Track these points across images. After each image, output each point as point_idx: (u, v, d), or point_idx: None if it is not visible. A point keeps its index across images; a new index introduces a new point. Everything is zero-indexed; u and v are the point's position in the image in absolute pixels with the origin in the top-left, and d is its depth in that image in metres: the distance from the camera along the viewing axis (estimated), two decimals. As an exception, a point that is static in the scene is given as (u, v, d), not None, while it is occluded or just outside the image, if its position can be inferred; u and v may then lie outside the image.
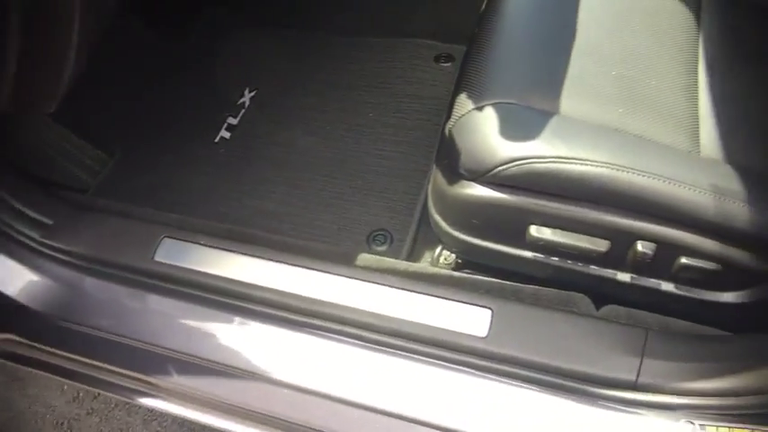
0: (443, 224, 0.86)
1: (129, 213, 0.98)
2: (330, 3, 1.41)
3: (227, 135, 1.26)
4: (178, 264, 0.90)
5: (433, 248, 1.04)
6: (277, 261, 0.87)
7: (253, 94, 1.31)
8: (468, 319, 0.79)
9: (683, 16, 0.93)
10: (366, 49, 1.34)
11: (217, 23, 1.44)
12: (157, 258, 0.91)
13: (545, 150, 0.73)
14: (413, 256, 1.04)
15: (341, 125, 1.23)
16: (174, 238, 0.92)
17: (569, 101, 0.80)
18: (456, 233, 0.85)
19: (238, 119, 1.28)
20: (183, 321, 0.88)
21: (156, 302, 0.90)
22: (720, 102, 0.85)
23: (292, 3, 1.42)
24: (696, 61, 0.89)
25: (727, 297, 0.78)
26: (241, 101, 1.31)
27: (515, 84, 0.81)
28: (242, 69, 1.36)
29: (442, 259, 1.01)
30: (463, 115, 0.81)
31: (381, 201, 1.11)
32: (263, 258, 0.87)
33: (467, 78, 0.85)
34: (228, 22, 1.44)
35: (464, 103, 0.82)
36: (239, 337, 0.85)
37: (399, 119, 1.22)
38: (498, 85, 0.81)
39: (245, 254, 0.88)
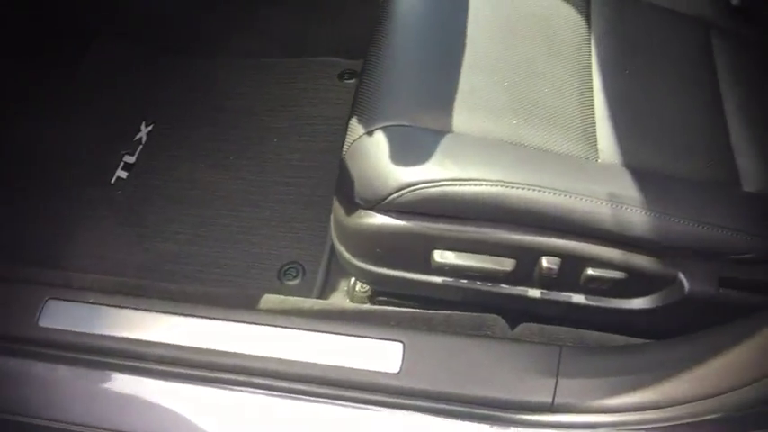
0: (347, 255, 0.82)
1: (8, 275, 0.89)
2: (227, 25, 1.35)
3: (123, 175, 1.18)
4: (65, 327, 0.82)
5: (348, 277, 0.99)
6: (173, 313, 0.81)
7: (150, 128, 1.24)
8: (380, 355, 0.75)
9: (574, 18, 0.92)
10: (267, 71, 1.29)
11: (107, 55, 1.36)
12: (42, 323, 0.83)
13: (437, 174, 0.70)
14: (327, 287, 1.00)
15: (245, 154, 1.18)
16: (60, 299, 0.84)
17: (462, 117, 0.77)
18: (361, 264, 0.81)
19: (135, 156, 1.20)
20: (74, 389, 0.80)
21: (44, 371, 0.82)
22: (615, 103, 0.84)
23: (186, 27, 1.35)
24: (590, 64, 0.88)
25: (637, 303, 0.77)
26: (138, 136, 1.23)
27: (406, 104, 0.78)
28: (137, 102, 1.28)
29: (357, 287, 0.97)
30: (354, 141, 0.77)
31: (291, 232, 1.07)
32: (158, 312, 0.81)
33: (358, 102, 0.81)
34: (120, 52, 1.36)
35: (355, 128, 0.78)
36: (136, 401, 0.78)
37: (305, 142, 1.18)
38: (389, 107, 0.78)
39: (138, 309, 0.81)
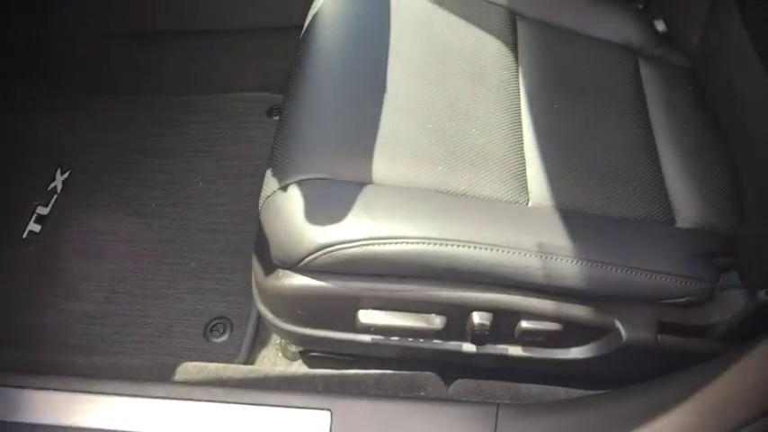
0: (270, 316, 0.76)
1: None
2: (147, 61, 1.28)
3: (36, 228, 1.09)
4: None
5: (279, 331, 0.94)
6: (79, 391, 0.74)
7: (66, 175, 1.16)
8: (306, 427, 0.70)
9: (501, 52, 0.89)
10: (191, 109, 1.22)
11: (18, 99, 1.27)
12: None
13: (354, 233, 0.65)
14: (256, 342, 0.94)
15: (167, 200, 1.10)
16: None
17: (383, 166, 0.72)
18: (285, 325, 0.75)
19: (49, 207, 1.12)
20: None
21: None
22: (545, 141, 0.81)
23: (99, 64, 1.27)
24: (518, 99, 0.85)
25: (575, 353, 0.73)
26: (52, 185, 1.15)
27: (322, 155, 0.73)
28: (51, 148, 1.19)
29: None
30: (269, 197, 0.71)
31: (218, 284, 1.00)
32: (57, 390, 0.73)
33: (274, 151, 0.76)
34: (32, 96, 1.27)
35: (270, 182, 0.72)
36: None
37: (232, 185, 1.11)
38: (304, 158, 0.72)
39: (34, 388, 0.74)
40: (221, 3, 1.18)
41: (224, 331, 0.94)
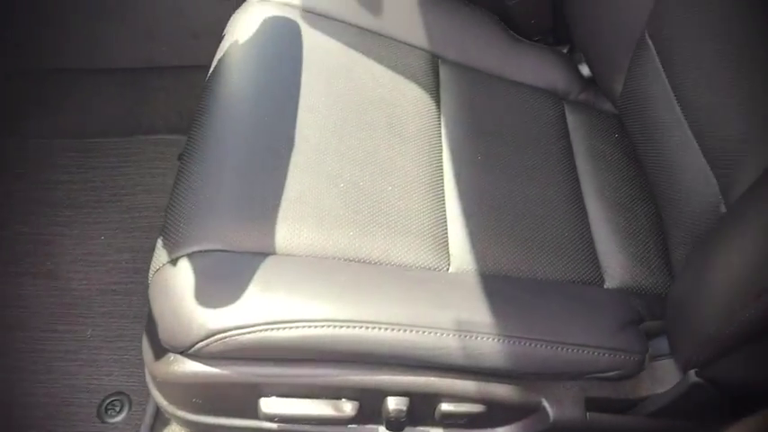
0: (164, 403, 0.67)
1: None
2: (46, 101, 1.17)
3: None
4: None
5: (184, 407, 0.84)
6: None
7: (-52, 230, 1.04)
8: None
9: (423, 100, 0.84)
10: (95, 154, 1.12)
11: None
12: None
13: (250, 317, 0.57)
14: (157, 423, 0.84)
15: (65, 258, 1.00)
16: None
17: (287, 233, 0.65)
18: (180, 413, 0.67)
19: (-73, 268, 1.00)
20: None
21: None
22: (468, 198, 0.75)
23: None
24: (440, 152, 0.79)
25: (501, 434, 0.67)
26: (-68, 242, 1.03)
27: (219, 221, 0.65)
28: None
29: (195, 419, 0.82)
30: (157, 271, 0.63)
31: (116, 353, 0.90)
32: None
33: (167, 216, 0.68)
34: None
35: (159, 253, 0.64)
36: None
37: (138, 239, 1.02)
38: (198, 226, 0.64)
39: None
40: (127, 39, 1.09)
41: (121, 409, 0.84)
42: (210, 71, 0.83)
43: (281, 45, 0.83)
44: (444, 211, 0.74)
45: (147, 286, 0.94)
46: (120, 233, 1.02)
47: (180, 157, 1.16)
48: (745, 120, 0.64)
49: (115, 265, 0.99)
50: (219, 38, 0.94)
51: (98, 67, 1.12)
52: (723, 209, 0.62)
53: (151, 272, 0.64)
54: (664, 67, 0.76)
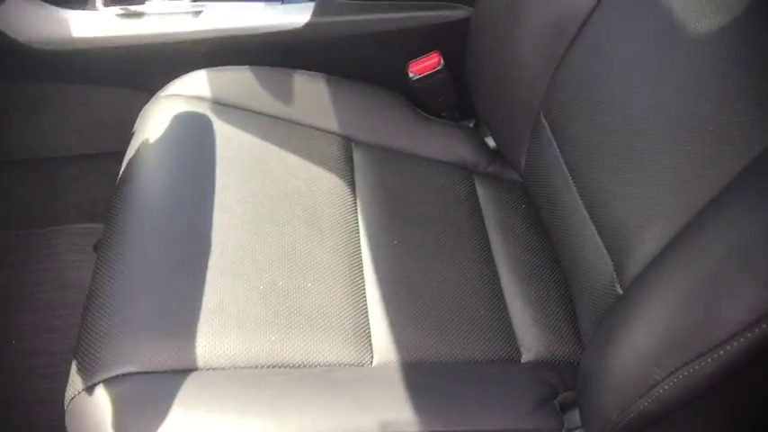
0: None
1: None
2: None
3: None
4: None
5: None
6: None
7: None
8: None
9: (338, 187, 0.86)
10: (3, 249, 1.07)
11: None
12: None
13: (171, 446, 0.57)
14: None
15: (-29, 367, 0.95)
16: None
17: (208, 345, 0.65)
18: None
19: None
20: None
21: None
22: (387, 285, 0.77)
23: None
24: (358, 239, 0.81)
25: None
26: None
27: (134, 340, 0.64)
28: None
29: None
30: (72, 399, 0.61)
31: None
32: None
33: (80, 340, 0.65)
34: None
35: (74, 380, 0.62)
36: None
37: (52, 340, 0.98)
38: (112, 347, 0.63)
39: None
40: (36, 131, 1.06)
41: None
42: (122, 171, 0.82)
43: (193, 142, 0.84)
44: (365, 301, 0.75)
45: (62, 394, 0.90)
46: (30, 336, 0.98)
47: (95, 248, 1.13)
48: (634, 204, 0.69)
49: (29, 370, 0.94)
50: (129, 126, 0.94)
51: (5, 159, 1.08)
52: (619, 290, 0.67)
53: (66, 399, 0.62)
54: (558, 147, 0.82)
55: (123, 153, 0.94)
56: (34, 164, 1.10)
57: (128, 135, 0.94)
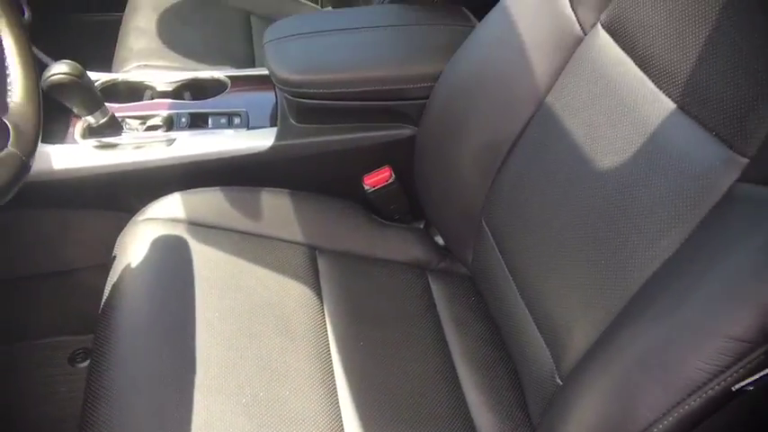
0: None
1: None
2: None
3: None
4: None
5: None
6: None
7: None
8: None
9: (306, 295, 0.94)
10: (-24, 368, 1.10)
11: None
12: None
13: None
14: None
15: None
16: None
17: (199, 460, 0.72)
18: None
19: None
20: None
21: None
22: (356, 385, 0.86)
23: None
24: (327, 344, 0.90)
25: None
26: None
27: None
28: None
29: None
30: None
31: None
32: None
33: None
34: None
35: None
36: None
37: (32, 457, 1.01)
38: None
39: None
40: (8, 251, 1.11)
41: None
42: (105, 298, 0.89)
43: (173, 265, 0.91)
44: (338, 404, 0.83)
45: None
46: (11, 453, 1.00)
47: (70, 361, 1.17)
48: (564, 305, 0.80)
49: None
50: (102, 243, 1.00)
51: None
52: (558, 381, 0.78)
53: None
54: (499, 251, 0.93)
55: (95, 267, 1.00)
56: (6, 283, 1.14)
57: (100, 251, 1.00)
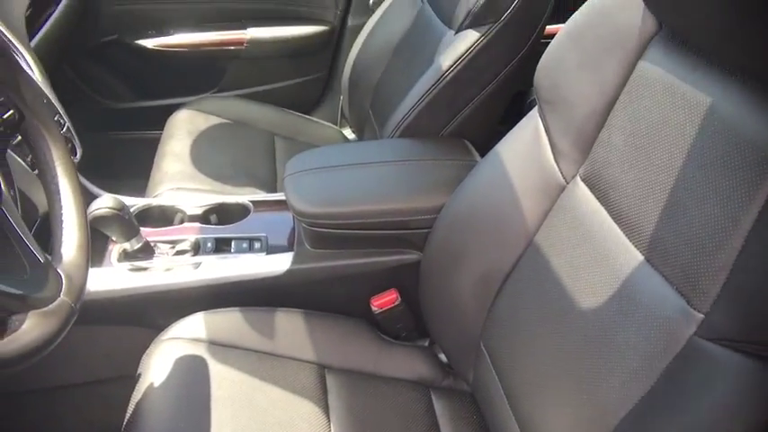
0: None
1: None
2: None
3: None
4: None
5: None
6: None
7: None
8: None
9: (314, 414, 1.00)
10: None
11: None
12: None
13: None
14: None
15: None
16: None
17: None
18: None
19: None
20: None
21: None
22: None
23: None
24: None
25: None
26: None
27: None
28: None
29: None
30: None
31: None
32: None
33: None
34: None
35: None
36: None
37: None
38: None
39: None
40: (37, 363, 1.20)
41: None
42: (128, 415, 0.96)
43: (193, 384, 0.99)
44: None
45: None
46: None
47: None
48: (557, 427, 0.85)
49: None
50: (129, 355, 1.09)
51: (11, 390, 1.20)
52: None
53: None
54: (496, 373, 1.00)
55: (120, 379, 1.07)
56: (33, 392, 1.22)
57: (125, 364, 1.08)
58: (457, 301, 1.08)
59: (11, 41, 1.18)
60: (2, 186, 0.68)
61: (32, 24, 1.45)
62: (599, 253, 0.82)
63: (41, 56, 1.38)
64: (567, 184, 0.91)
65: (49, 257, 0.69)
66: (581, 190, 0.89)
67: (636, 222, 0.77)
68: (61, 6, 1.61)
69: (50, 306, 0.64)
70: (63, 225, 0.74)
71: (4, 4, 1.27)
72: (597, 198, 0.86)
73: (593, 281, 0.81)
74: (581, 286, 0.83)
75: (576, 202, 0.89)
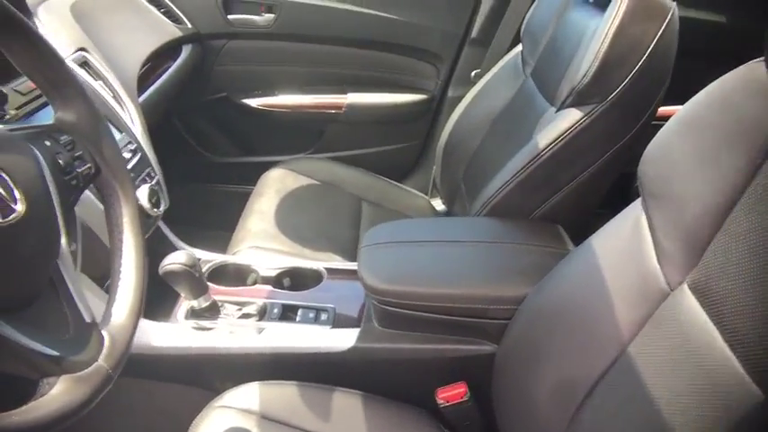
0: None
1: None
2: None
3: None
4: None
5: None
6: None
7: None
8: None
9: None
10: None
11: None
12: None
13: None
14: None
15: None
16: None
17: None
18: None
19: None
20: None
21: None
22: None
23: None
24: None
25: None
26: None
27: None
28: None
29: None
30: None
31: None
32: None
33: None
34: None
35: None
36: None
37: None
38: None
39: None
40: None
41: None
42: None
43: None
44: None
45: None
46: None
47: None
48: None
49: None
50: (182, 416, 1.05)
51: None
52: None
53: None
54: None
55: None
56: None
57: (177, 423, 1.04)
58: (534, 407, 0.96)
59: (118, 94, 1.24)
60: (63, 240, 0.67)
61: (146, 78, 1.54)
62: (706, 382, 0.68)
63: (151, 109, 1.46)
64: (672, 291, 0.79)
65: (96, 318, 0.67)
66: (688, 301, 0.76)
67: (754, 351, 0.64)
68: (176, 64, 1.70)
69: (85, 371, 0.61)
70: (119, 284, 0.72)
71: (120, 61, 1.35)
72: (707, 312, 0.72)
73: (696, 417, 0.68)
74: (682, 419, 0.69)
75: (682, 316, 0.76)
